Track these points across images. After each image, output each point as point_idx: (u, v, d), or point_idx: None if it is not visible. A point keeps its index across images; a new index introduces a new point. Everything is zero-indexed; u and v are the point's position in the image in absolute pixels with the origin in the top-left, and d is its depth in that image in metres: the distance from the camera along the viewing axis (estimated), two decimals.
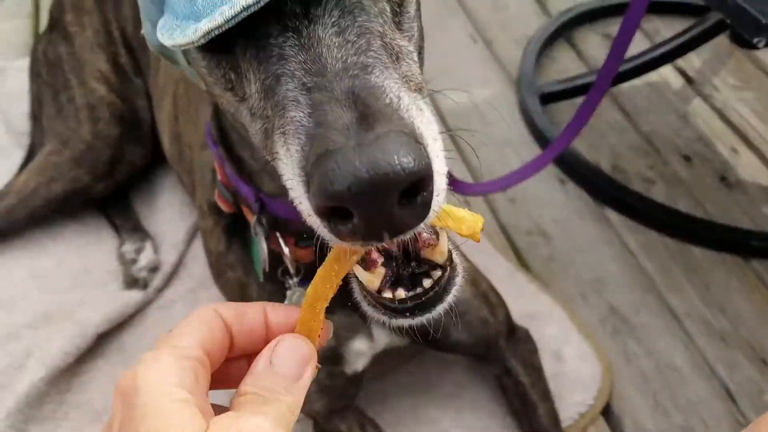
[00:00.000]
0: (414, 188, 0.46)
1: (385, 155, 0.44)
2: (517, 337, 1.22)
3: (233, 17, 0.51)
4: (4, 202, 1.39)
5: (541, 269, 1.52)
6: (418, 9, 0.67)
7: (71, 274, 1.41)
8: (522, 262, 1.53)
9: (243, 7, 0.51)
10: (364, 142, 0.45)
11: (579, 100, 1.87)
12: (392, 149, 0.44)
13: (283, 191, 0.71)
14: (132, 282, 1.39)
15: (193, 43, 0.54)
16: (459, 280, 0.60)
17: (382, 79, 0.52)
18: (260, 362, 0.51)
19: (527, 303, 1.41)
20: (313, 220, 0.51)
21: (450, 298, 0.59)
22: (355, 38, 0.54)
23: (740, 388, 1.34)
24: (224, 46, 0.59)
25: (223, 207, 0.94)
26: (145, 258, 1.41)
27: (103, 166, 1.42)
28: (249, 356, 0.54)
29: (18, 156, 1.60)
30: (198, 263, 1.46)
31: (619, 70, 1.85)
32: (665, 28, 2.17)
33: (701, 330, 1.43)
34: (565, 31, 2.13)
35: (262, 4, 0.51)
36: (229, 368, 0.54)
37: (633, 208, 1.63)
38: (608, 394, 1.31)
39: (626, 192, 1.65)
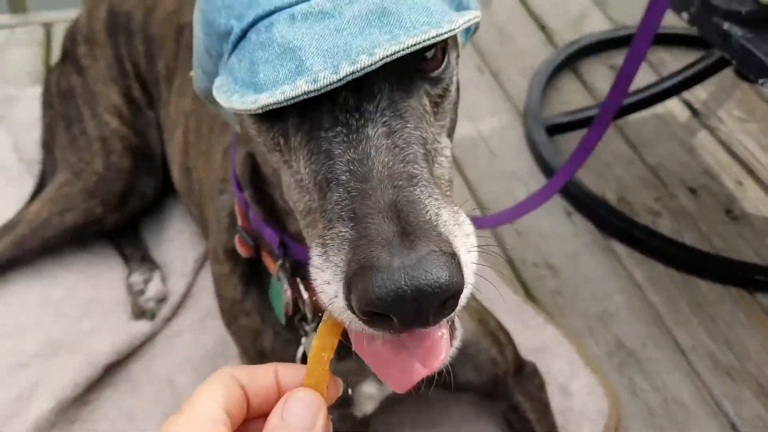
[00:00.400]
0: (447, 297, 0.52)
1: (427, 278, 0.50)
2: (525, 373, 1.22)
3: (293, 98, 0.55)
4: (15, 232, 1.40)
5: (548, 302, 1.53)
6: (457, 98, 0.71)
7: (81, 304, 1.42)
8: (529, 294, 1.54)
9: (304, 91, 0.55)
10: (408, 263, 0.50)
11: (585, 132, 1.89)
12: (433, 271, 0.50)
13: None
14: (140, 313, 1.40)
15: (249, 111, 0.58)
16: (456, 343, 0.63)
17: (426, 194, 0.56)
18: (273, 418, 0.53)
19: (534, 336, 1.42)
20: (344, 314, 0.55)
21: (455, 343, 0.62)
22: (404, 144, 0.59)
23: (746, 423, 1.34)
24: (277, 114, 0.63)
25: (243, 252, 0.95)
26: (153, 288, 1.42)
27: (116, 197, 1.43)
28: (265, 416, 0.55)
29: (29, 184, 1.61)
30: (206, 293, 1.46)
31: (626, 103, 1.88)
32: (671, 60, 2.19)
33: (707, 364, 1.43)
34: (571, 62, 2.16)
35: (321, 91, 0.55)
36: (248, 428, 0.56)
37: (639, 240, 1.64)
38: (615, 429, 1.30)
39: (633, 225, 1.66)
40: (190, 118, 1.31)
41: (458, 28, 0.58)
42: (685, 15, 1.24)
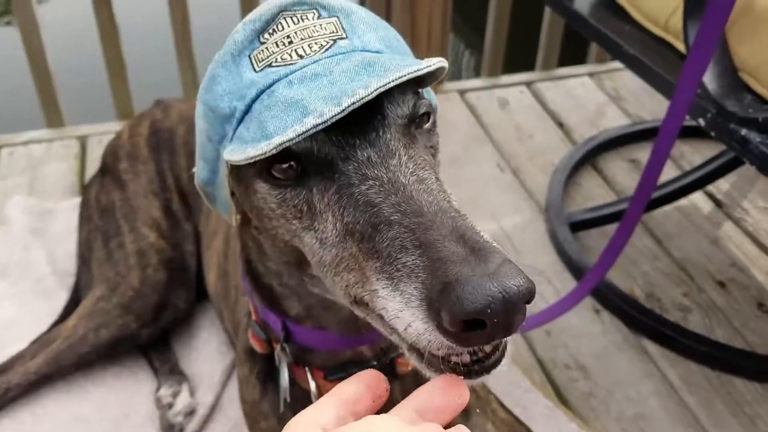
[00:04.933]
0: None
1: (511, 281, 0.55)
2: None
3: (303, 133, 0.61)
4: (52, 348, 1.42)
5: (581, 406, 1.50)
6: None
7: (111, 419, 1.42)
8: (561, 398, 1.51)
9: (312, 125, 0.61)
10: (490, 272, 0.55)
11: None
12: (513, 276, 0.55)
13: (309, 313, 0.86)
14: (168, 427, 1.39)
15: (264, 153, 0.62)
16: (510, 347, 0.66)
17: (471, 221, 0.62)
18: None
19: None
20: (422, 336, 0.58)
21: (505, 362, 0.65)
22: (436, 189, 0.65)
23: None
24: (299, 182, 0.69)
25: (257, 347, 0.98)
26: (182, 402, 1.42)
27: (150, 312, 1.45)
28: None
29: (62, 297, 1.64)
30: (234, 405, 1.45)
31: (650, 199, 1.89)
32: (691, 152, 2.21)
33: None
34: (590, 157, 2.19)
35: (328, 122, 0.61)
36: None
37: (670, 338, 1.61)
38: None
39: (663, 322, 1.64)
40: None
41: (432, 66, 0.66)
42: (701, 121, 1.26)
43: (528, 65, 2.69)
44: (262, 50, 0.69)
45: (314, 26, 0.70)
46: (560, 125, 2.37)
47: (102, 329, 1.43)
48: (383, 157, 0.66)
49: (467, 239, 0.58)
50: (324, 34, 0.70)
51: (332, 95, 0.62)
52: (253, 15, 0.71)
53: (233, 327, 1.33)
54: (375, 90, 0.61)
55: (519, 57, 2.95)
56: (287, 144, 0.62)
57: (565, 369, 1.58)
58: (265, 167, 0.69)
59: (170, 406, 1.42)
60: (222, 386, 1.49)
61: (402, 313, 0.59)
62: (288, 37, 0.69)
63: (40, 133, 2.30)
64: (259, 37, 0.70)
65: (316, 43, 0.69)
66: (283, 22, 0.70)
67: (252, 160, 0.64)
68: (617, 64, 2.63)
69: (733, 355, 1.57)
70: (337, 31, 0.70)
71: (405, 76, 0.63)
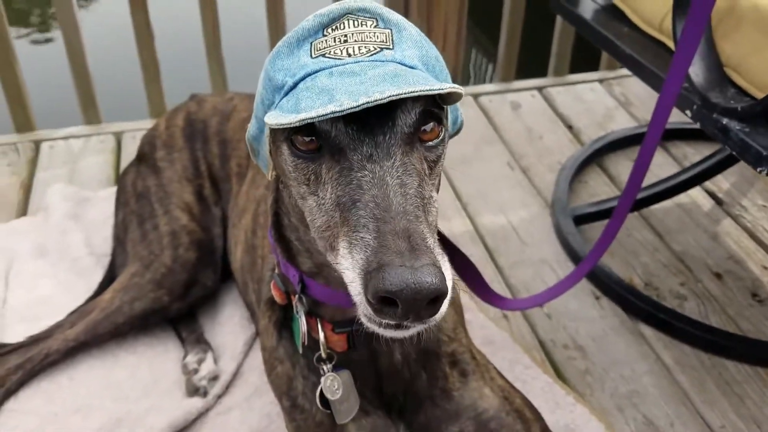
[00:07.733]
0: (435, 299, 0.72)
1: (426, 278, 0.70)
2: None
3: (323, 115, 0.74)
4: (90, 318, 1.55)
5: (578, 382, 1.59)
6: (442, 164, 0.91)
7: (141, 384, 1.54)
8: (559, 375, 1.61)
9: (331, 111, 0.74)
10: (415, 266, 0.70)
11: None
12: (430, 275, 0.70)
13: (320, 270, 1.01)
14: (194, 390, 1.51)
15: (290, 123, 0.76)
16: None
17: (424, 228, 0.77)
18: None
19: (564, 415, 1.48)
20: (361, 300, 0.74)
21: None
22: (410, 195, 0.80)
23: None
24: (313, 157, 0.83)
25: (276, 296, 1.11)
26: (206, 368, 1.54)
27: (180, 288, 1.58)
28: None
29: (98, 275, 1.78)
30: (254, 373, 1.58)
31: (650, 193, 1.99)
32: (693, 153, 2.30)
33: None
34: (597, 157, 2.29)
35: (344, 113, 0.73)
36: None
37: (666, 323, 1.70)
38: None
39: (659, 308, 1.73)
40: (262, 202, 1.48)
41: (444, 89, 0.77)
42: (688, 112, 1.37)
43: (540, 72, 2.80)
44: (322, 41, 0.82)
45: (369, 33, 0.83)
46: (569, 128, 2.47)
47: (136, 302, 1.56)
48: (381, 157, 0.78)
49: (411, 239, 0.73)
50: (375, 41, 0.82)
51: (356, 92, 0.74)
52: (323, 10, 0.83)
53: (257, 295, 1.45)
54: (388, 97, 0.73)
55: (531, 63, 3.06)
56: (308, 121, 0.75)
57: (564, 349, 1.67)
58: (290, 136, 0.83)
59: (195, 371, 1.54)
60: (243, 356, 1.61)
61: (348, 272, 0.75)
62: (345, 36, 0.82)
63: (78, 128, 2.47)
64: (323, 30, 0.83)
65: (365, 47, 0.82)
66: (346, 22, 0.83)
67: (281, 127, 0.79)
68: (627, 71, 2.72)
69: (725, 339, 1.66)
70: (387, 42, 0.83)
71: (416, 92, 0.74)
